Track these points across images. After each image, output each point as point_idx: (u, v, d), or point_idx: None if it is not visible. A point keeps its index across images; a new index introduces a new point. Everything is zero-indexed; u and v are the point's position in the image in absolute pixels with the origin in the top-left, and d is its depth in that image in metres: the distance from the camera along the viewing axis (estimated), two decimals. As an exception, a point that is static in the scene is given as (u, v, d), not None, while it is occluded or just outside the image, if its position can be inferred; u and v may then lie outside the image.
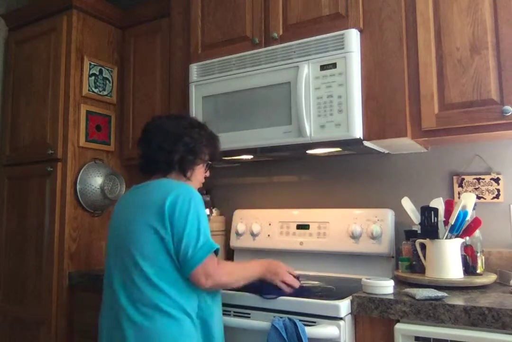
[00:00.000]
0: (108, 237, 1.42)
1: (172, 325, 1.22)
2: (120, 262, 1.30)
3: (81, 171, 2.15)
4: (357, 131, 1.60)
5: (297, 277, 1.48)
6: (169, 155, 1.40)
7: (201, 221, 1.27)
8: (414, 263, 1.61)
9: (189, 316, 1.24)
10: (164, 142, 1.41)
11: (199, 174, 1.50)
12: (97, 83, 2.27)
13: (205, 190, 2.16)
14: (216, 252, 1.28)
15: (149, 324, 1.21)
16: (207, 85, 1.93)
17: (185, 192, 1.29)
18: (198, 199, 1.30)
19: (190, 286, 1.26)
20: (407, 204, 1.66)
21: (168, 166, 1.42)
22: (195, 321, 1.26)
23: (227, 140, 1.83)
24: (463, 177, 1.78)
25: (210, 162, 1.53)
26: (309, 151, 1.86)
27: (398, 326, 1.27)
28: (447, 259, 1.46)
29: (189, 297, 1.26)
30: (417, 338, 1.24)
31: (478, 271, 1.52)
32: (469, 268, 1.53)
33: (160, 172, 1.44)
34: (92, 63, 2.25)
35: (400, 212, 1.77)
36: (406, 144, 1.72)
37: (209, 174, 1.58)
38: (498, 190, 1.72)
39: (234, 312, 1.46)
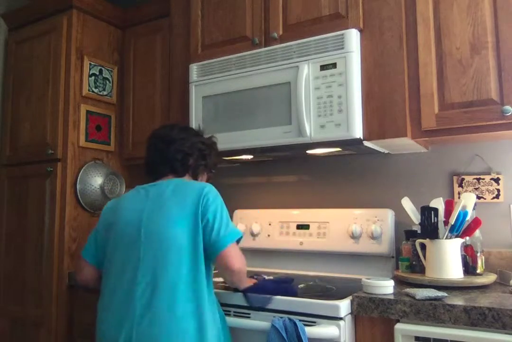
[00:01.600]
0: (116, 233, 1.38)
1: (207, 323, 1.25)
2: (148, 261, 1.29)
3: (81, 171, 2.15)
4: (357, 131, 1.60)
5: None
6: (186, 157, 1.49)
7: (227, 213, 1.39)
8: (414, 263, 1.61)
9: (218, 314, 1.32)
10: (182, 146, 1.49)
11: (203, 180, 1.59)
12: (97, 83, 2.27)
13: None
14: (238, 241, 1.36)
15: (182, 323, 1.23)
16: (207, 85, 1.93)
17: (213, 189, 1.40)
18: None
19: (198, 281, 1.30)
20: (407, 204, 1.66)
21: (183, 168, 1.49)
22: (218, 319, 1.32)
23: (227, 140, 1.83)
24: (463, 176, 1.78)
25: (213, 171, 1.61)
26: (309, 151, 1.86)
27: (398, 326, 1.27)
28: (447, 259, 1.46)
29: (200, 292, 1.29)
30: (417, 338, 1.24)
31: (478, 271, 1.52)
32: (469, 268, 1.53)
33: (173, 174, 1.49)
34: (92, 63, 2.25)
35: (400, 212, 1.77)
36: (406, 144, 1.72)
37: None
38: (498, 190, 1.72)
39: (234, 312, 1.46)
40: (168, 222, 1.32)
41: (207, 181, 1.58)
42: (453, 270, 1.45)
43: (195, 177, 1.54)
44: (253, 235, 2.07)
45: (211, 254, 1.31)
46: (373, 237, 1.80)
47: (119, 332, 1.26)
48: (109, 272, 1.38)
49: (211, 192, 1.38)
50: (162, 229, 1.31)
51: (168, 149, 1.48)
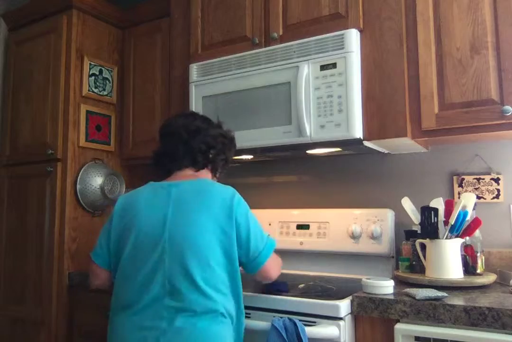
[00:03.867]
0: (137, 237, 1.28)
1: (216, 327, 1.20)
2: (165, 264, 1.22)
3: (81, 171, 2.15)
4: (357, 131, 1.60)
5: None
6: (208, 150, 1.40)
7: (257, 221, 1.33)
8: (414, 263, 1.61)
9: (231, 318, 1.24)
10: (206, 137, 1.40)
11: (220, 176, 1.51)
12: (97, 83, 2.27)
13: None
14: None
15: (192, 327, 1.17)
16: (207, 85, 1.93)
17: (241, 197, 1.32)
18: None
19: (231, 289, 1.26)
20: (407, 204, 1.66)
21: (204, 162, 1.40)
22: (234, 323, 1.26)
23: (227, 140, 1.83)
24: (463, 177, 1.77)
25: (226, 168, 1.52)
26: (309, 151, 1.86)
27: (398, 326, 1.27)
28: (447, 259, 1.46)
29: (231, 300, 1.25)
30: (417, 338, 1.24)
31: (478, 271, 1.52)
32: (469, 268, 1.53)
33: (192, 167, 1.40)
34: (92, 63, 2.25)
35: (400, 212, 1.77)
36: (406, 144, 1.72)
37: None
38: (498, 190, 1.72)
39: (234, 312, 1.46)
40: (196, 228, 1.24)
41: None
42: (453, 270, 1.45)
43: (214, 172, 1.46)
44: (253, 235, 2.07)
45: (250, 270, 1.31)
46: (373, 237, 1.80)
47: (144, 338, 1.19)
48: (127, 275, 1.28)
49: (241, 203, 1.29)
50: (190, 236, 1.23)
51: (194, 140, 1.38)
